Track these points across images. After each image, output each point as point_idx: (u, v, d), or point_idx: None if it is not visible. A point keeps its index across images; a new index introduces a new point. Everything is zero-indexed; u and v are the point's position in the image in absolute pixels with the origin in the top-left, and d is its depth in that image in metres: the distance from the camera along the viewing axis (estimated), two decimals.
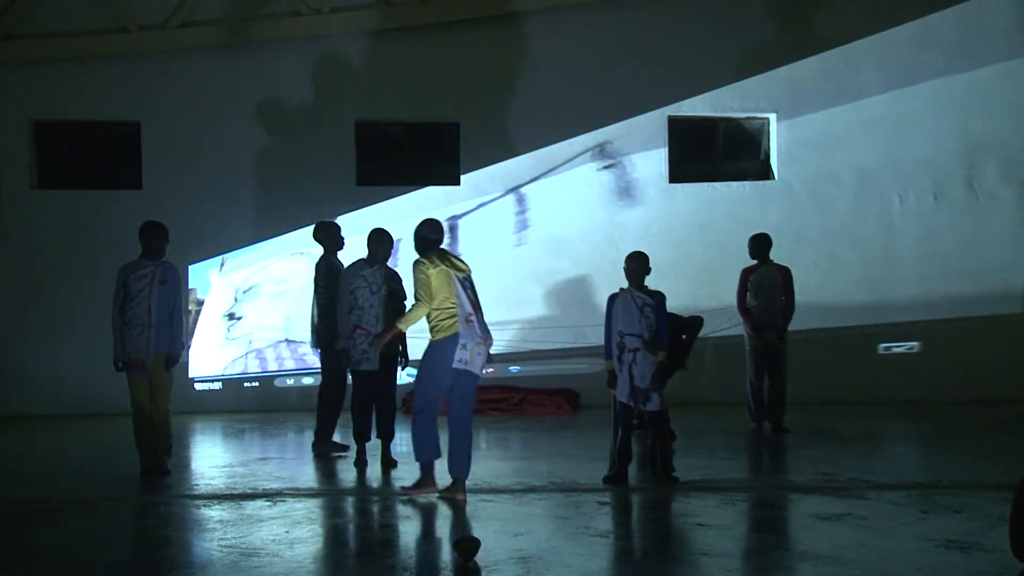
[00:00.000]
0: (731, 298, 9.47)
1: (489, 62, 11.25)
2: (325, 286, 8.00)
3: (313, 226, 8.48)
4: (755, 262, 9.19)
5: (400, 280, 7.66)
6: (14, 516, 6.13)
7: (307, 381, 11.11)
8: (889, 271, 11.17)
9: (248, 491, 6.66)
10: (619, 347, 6.71)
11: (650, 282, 6.89)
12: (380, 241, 7.57)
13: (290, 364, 10.65)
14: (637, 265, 6.82)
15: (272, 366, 10.68)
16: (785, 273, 9.20)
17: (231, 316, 10.80)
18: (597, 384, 8.22)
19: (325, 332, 7.96)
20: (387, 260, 7.61)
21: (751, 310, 9.10)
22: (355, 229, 8.77)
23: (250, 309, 11.05)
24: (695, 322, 8.58)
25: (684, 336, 8.47)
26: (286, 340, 10.85)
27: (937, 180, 11.18)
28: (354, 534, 5.80)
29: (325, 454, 8.07)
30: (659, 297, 6.77)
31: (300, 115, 11.23)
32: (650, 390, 6.65)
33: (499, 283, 11.16)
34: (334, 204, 11.17)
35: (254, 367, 10.82)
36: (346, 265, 7.76)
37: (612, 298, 6.86)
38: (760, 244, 9.18)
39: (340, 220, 10.99)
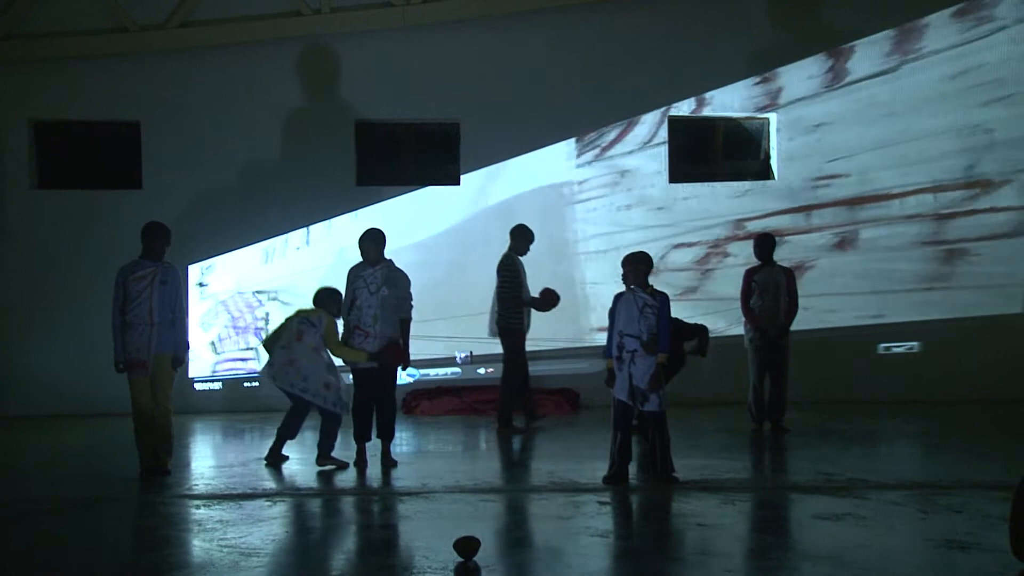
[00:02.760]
0: (731, 298, 9.47)
1: (489, 62, 11.24)
2: (503, 279, 9.17)
3: (513, 225, 9.52)
4: (758, 262, 9.19)
5: (402, 283, 7.60)
6: (14, 516, 6.13)
7: None
8: (889, 271, 11.17)
9: (248, 491, 6.66)
10: (618, 347, 6.71)
11: (650, 282, 6.88)
12: (367, 240, 7.54)
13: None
14: (629, 267, 6.81)
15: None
16: (788, 274, 9.21)
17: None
18: (597, 384, 8.22)
19: (504, 321, 9.15)
20: (380, 259, 7.55)
21: (755, 310, 9.10)
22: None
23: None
24: (700, 330, 8.65)
25: (693, 342, 8.54)
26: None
27: (937, 180, 11.17)
28: (354, 534, 5.80)
29: (508, 435, 9.12)
30: (662, 298, 6.76)
31: (300, 115, 11.23)
32: (648, 391, 6.64)
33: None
34: (334, 204, 11.19)
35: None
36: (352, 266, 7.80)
37: (617, 297, 6.86)
38: (765, 244, 9.19)
39: (340, 220, 11.14)
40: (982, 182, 11.08)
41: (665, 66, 11.24)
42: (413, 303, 7.66)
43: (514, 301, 9.18)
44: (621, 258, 6.94)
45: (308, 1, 11.03)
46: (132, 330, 7.17)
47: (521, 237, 9.41)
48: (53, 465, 8.04)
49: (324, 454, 7.58)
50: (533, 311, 9.40)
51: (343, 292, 7.67)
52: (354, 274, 7.56)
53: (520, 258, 9.36)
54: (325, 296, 7.91)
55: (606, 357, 6.86)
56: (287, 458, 7.81)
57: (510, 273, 9.21)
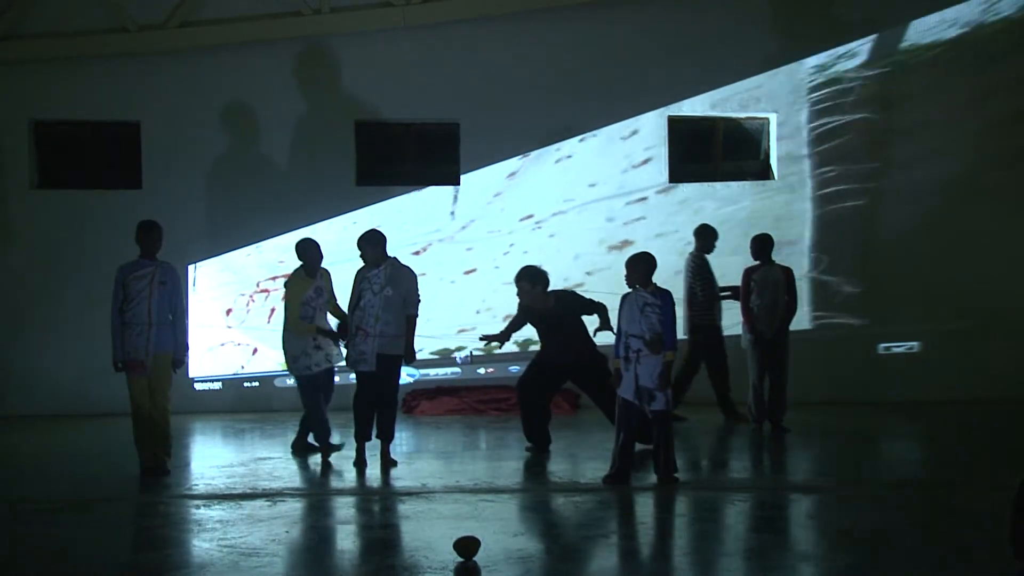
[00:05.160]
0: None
1: (489, 62, 11.24)
2: (694, 278, 9.58)
3: (698, 225, 9.93)
4: (757, 262, 9.19)
5: (406, 280, 7.49)
6: (14, 516, 6.13)
7: None
8: (889, 271, 11.16)
9: (248, 491, 6.67)
10: (624, 347, 6.72)
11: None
12: (365, 243, 7.53)
13: None
14: (628, 268, 6.82)
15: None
16: (787, 273, 9.21)
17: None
18: None
19: (696, 320, 9.56)
20: (377, 261, 7.53)
21: (754, 310, 9.10)
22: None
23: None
24: (600, 307, 8.10)
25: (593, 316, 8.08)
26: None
27: (937, 180, 11.17)
28: (354, 534, 5.80)
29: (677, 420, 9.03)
30: (664, 297, 6.75)
31: (300, 115, 11.22)
32: (655, 390, 6.64)
33: (498, 284, 11.17)
34: (334, 204, 11.17)
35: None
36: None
37: (623, 298, 6.87)
38: (762, 244, 9.18)
39: (340, 220, 11.13)
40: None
41: (665, 66, 11.23)
42: (420, 298, 7.61)
43: (708, 300, 9.55)
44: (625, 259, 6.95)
45: (308, 1, 11.02)
46: (130, 330, 7.16)
47: (707, 236, 9.73)
48: (53, 465, 8.04)
49: (320, 443, 7.87)
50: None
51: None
52: (360, 275, 7.56)
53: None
54: (301, 248, 8.10)
55: (614, 357, 6.87)
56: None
57: (703, 273, 9.58)
